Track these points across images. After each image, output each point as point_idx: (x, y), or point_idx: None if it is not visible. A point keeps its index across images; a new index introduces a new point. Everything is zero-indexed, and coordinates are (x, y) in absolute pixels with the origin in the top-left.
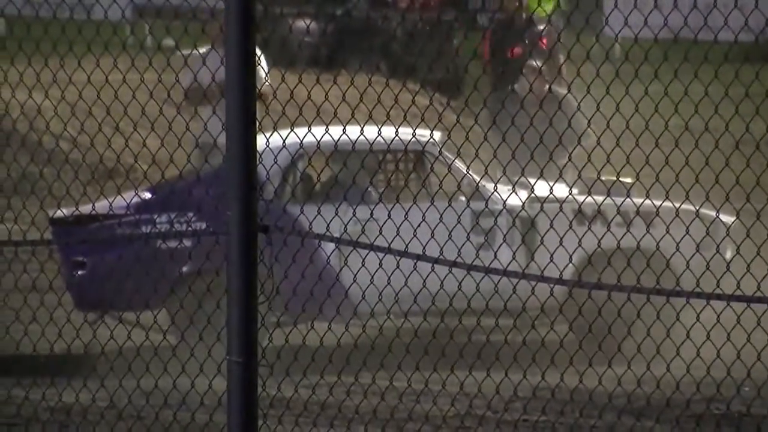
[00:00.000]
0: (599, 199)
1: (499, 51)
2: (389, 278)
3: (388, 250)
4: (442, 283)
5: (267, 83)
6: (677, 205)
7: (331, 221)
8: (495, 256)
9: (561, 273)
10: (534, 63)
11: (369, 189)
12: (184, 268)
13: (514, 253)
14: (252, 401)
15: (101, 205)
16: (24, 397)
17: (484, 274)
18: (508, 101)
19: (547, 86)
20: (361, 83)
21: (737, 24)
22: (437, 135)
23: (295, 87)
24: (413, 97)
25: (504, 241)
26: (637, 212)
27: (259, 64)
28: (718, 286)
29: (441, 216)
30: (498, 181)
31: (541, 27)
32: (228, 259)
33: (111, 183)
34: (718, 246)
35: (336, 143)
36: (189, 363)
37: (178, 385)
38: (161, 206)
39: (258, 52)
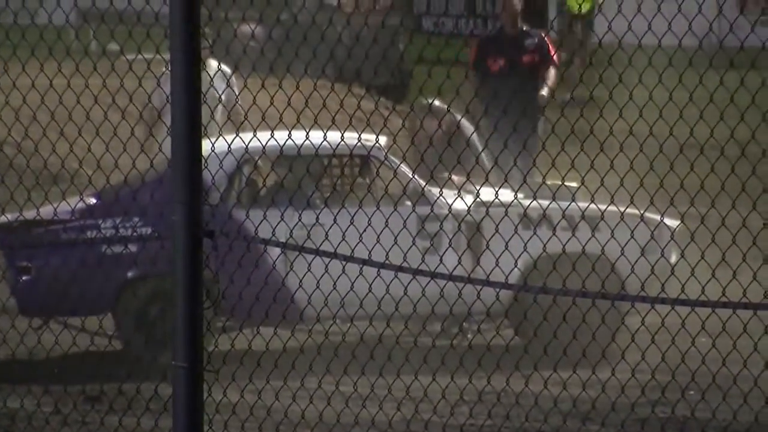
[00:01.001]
0: (545, 203)
1: (482, 62)
2: (335, 283)
3: (334, 255)
4: (387, 287)
5: (237, 103)
6: (622, 209)
7: (276, 226)
8: (441, 261)
9: (506, 277)
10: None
11: (315, 194)
12: (129, 273)
13: (459, 258)
14: (197, 406)
15: (46, 211)
16: None
17: (430, 279)
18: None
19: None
20: (306, 88)
21: (681, 29)
22: (382, 139)
23: (240, 92)
24: (359, 102)
25: (450, 245)
26: (582, 217)
27: (230, 87)
28: (662, 290)
29: (387, 220)
30: (443, 185)
31: (534, 40)
32: (173, 264)
33: (55, 188)
34: (662, 250)
35: (281, 148)
36: (134, 368)
37: (123, 390)
38: (106, 211)
39: (228, 71)
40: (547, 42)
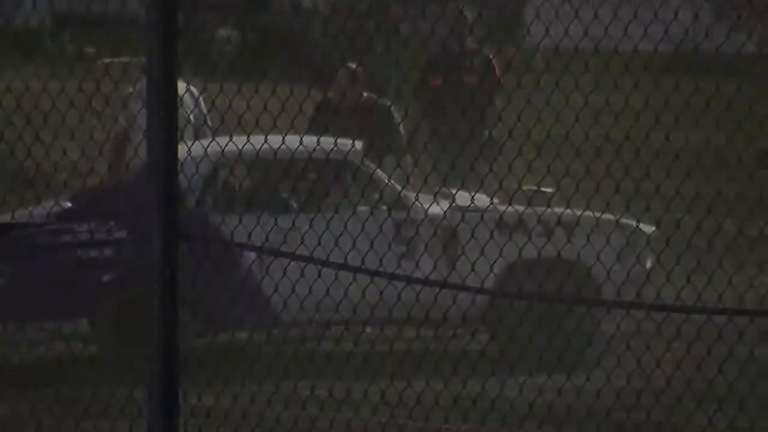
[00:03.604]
0: (520, 208)
1: (427, 77)
2: (311, 287)
3: (310, 260)
4: (363, 292)
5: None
6: (598, 214)
7: (252, 230)
8: (417, 266)
9: (482, 282)
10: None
11: (291, 198)
12: (105, 278)
13: (435, 263)
14: (173, 411)
15: (21, 215)
16: None
17: (406, 284)
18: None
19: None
20: (282, 92)
21: (658, 34)
22: (359, 144)
23: (216, 96)
24: (335, 107)
25: (425, 250)
26: (558, 222)
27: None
28: (638, 296)
29: (363, 225)
30: (420, 190)
31: (479, 61)
32: (149, 268)
33: (31, 192)
34: (638, 255)
35: (258, 152)
36: (110, 373)
37: (98, 394)
38: (82, 215)
39: (196, 92)
40: (493, 64)
